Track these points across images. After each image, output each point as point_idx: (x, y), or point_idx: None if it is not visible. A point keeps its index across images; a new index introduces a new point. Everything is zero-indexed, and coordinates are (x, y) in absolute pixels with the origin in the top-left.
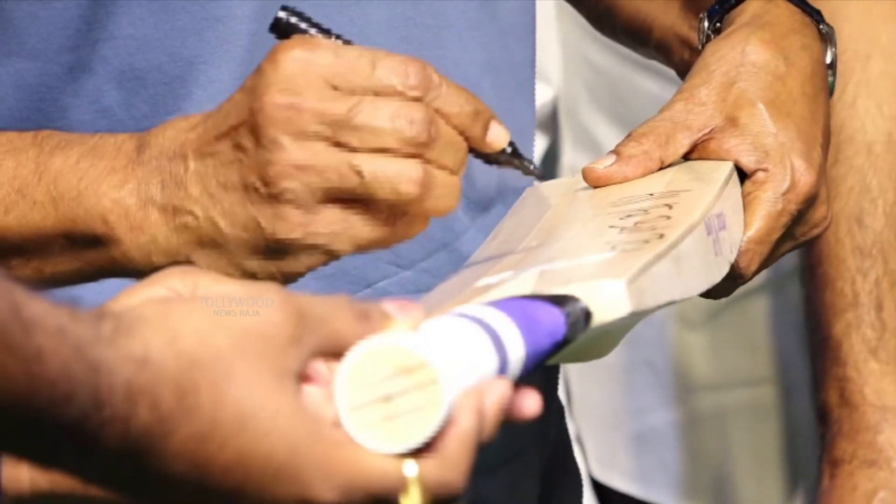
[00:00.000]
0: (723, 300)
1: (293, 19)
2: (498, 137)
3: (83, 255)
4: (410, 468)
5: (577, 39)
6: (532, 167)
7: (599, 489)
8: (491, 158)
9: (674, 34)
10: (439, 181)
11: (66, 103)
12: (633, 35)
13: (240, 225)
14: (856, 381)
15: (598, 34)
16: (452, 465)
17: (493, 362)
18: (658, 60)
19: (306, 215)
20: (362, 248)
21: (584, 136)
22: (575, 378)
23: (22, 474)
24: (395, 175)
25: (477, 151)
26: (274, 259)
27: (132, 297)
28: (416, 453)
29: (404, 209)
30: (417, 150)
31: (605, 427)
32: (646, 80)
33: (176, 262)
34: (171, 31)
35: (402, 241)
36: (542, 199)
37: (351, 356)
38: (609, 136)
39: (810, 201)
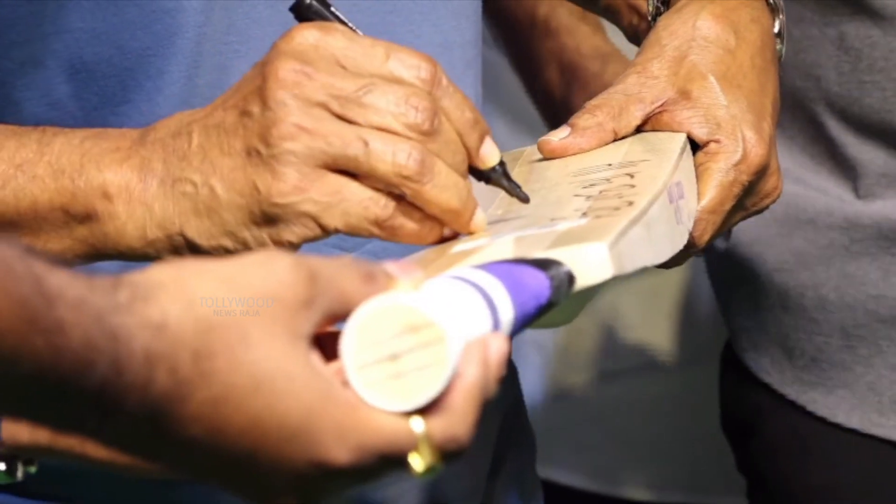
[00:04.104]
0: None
1: (315, 4)
2: (490, 153)
3: (76, 231)
4: (418, 425)
5: None
6: (518, 191)
7: None
8: (481, 175)
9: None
10: (440, 170)
11: (19, 97)
12: None
13: (237, 189)
14: None
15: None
16: (459, 418)
17: (488, 324)
18: (608, 20)
19: (304, 180)
20: (353, 227)
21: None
22: None
23: (20, 428)
24: (396, 149)
25: (468, 165)
26: (267, 227)
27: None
28: (424, 410)
29: (403, 188)
30: (419, 137)
31: None
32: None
33: (168, 236)
34: (120, 24)
35: (391, 236)
36: None
37: (358, 315)
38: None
39: (761, 172)
